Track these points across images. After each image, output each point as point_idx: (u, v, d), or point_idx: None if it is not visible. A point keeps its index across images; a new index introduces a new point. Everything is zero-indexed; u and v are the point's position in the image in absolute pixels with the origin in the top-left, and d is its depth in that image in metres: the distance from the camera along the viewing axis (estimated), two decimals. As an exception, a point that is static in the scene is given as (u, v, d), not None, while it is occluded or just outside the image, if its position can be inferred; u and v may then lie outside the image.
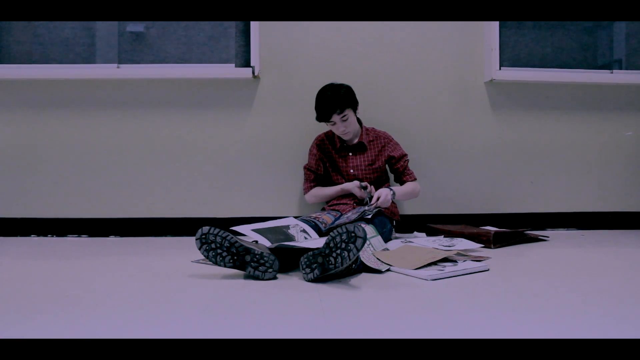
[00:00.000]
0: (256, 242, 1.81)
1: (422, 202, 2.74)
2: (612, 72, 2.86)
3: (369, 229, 1.95)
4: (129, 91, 2.70)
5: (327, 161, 2.48)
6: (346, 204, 2.38)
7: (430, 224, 2.58)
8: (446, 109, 2.78)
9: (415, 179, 2.48)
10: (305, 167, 2.53)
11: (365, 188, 2.28)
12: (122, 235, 2.68)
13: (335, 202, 2.43)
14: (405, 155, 2.48)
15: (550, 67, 2.84)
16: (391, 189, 2.28)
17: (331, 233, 1.55)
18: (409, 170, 2.48)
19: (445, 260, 1.83)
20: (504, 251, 2.17)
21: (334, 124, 2.32)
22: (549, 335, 1.10)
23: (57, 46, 2.70)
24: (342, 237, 1.51)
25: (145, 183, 2.70)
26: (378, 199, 2.20)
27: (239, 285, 1.57)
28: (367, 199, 2.25)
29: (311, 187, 2.50)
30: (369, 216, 2.11)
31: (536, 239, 2.46)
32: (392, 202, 2.44)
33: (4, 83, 2.68)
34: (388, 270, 1.76)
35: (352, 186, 2.34)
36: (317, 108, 2.32)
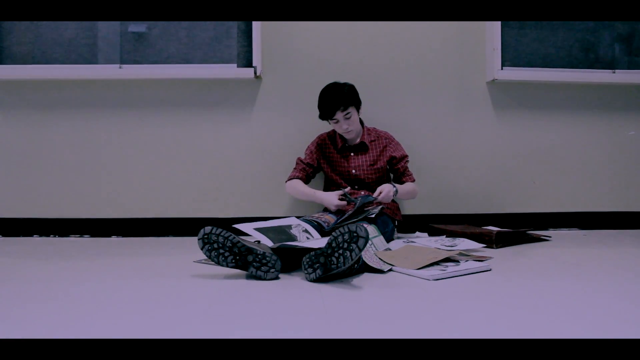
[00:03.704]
0: (258, 242, 1.81)
1: (424, 202, 2.74)
2: (614, 72, 2.85)
3: (371, 229, 1.95)
4: (131, 91, 2.70)
5: (325, 162, 2.48)
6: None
7: (432, 224, 2.58)
8: (448, 109, 2.78)
9: (414, 180, 2.48)
10: (297, 158, 2.51)
11: (345, 197, 2.25)
12: (124, 236, 2.69)
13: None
14: (406, 156, 2.48)
15: (552, 67, 2.84)
16: (394, 186, 2.28)
17: (333, 233, 1.55)
18: (409, 171, 2.48)
19: (448, 260, 1.83)
20: (506, 251, 2.17)
21: (337, 121, 2.32)
22: (550, 335, 1.10)
23: (59, 46, 2.70)
24: (344, 237, 1.52)
25: (147, 183, 2.71)
26: (380, 193, 2.20)
27: (241, 286, 1.57)
28: (357, 200, 2.20)
29: (294, 177, 2.45)
30: (372, 216, 2.11)
31: (538, 239, 2.45)
32: (394, 201, 2.44)
33: (6, 83, 2.69)
34: (390, 270, 1.76)
35: (330, 201, 2.24)
36: (320, 106, 2.32)
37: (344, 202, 2.24)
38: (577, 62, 2.85)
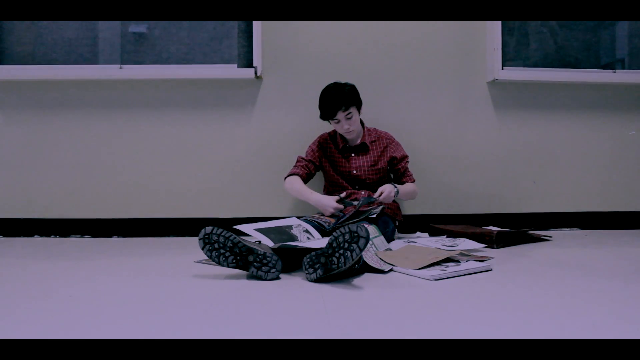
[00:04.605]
0: (259, 242, 1.81)
1: (424, 202, 2.74)
2: (614, 72, 2.85)
3: (372, 229, 1.95)
4: (131, 92, 2.70)
5: (326, 161, 2.48)
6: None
7: (432, 224, 2.58)
8: (448, 109, 2.78)
9: (414, 181, 2.48)
10: (298, 157, 2.49)
11: (340, 201, 2.24)
12: (124, 236, 2.69)
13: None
14: (407, 156, 2.48)
15: (552, 67, 2.84)
16: (395, 186, 2.28)
17: (334, 233, 1.55)
18: (409, 171, 2.48)
19: (448, 260, 1.82)
20: (507, 251, 2.17)
21: (338, 122, 2.32)
22: (550, 335, 1.10)
23: (60, 47, 2.71)
24: (345, 237, 1.52)
25: (148, 183, 2.71)
26: (381, 194, 2.20)
27: (241, 286, 1.57)
28: (357, 203, 2.19)
29: (294, 174, 2.40)
30: (374, 216, 2.11)
31: (539, 239, 2.45)
32: (395, 202, 2.45)
33: (7, 84, 2.69)
34: (391, 270, 1.76)
35: (329, 204, 2.20)
36: (321, 106, 2.32)
37: (342, 206, 2.23)
38: (578, 62, 2.85)
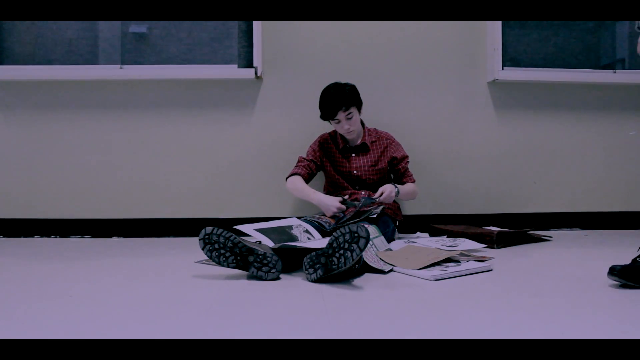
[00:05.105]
0: (259, 242, 1.81)
1: (424, 203, 2.74)
2: (615, 72, 2.85)
3: (372, 229, 1.95)
4: (131, 92, 2.70)
5: (327, 161, 2.48)
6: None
7: (433, 224, 2.58)
8: (449, 109, 2.78)
9: (414, 181, 2.48)
10: (299, 157, 2.48)
11: (344, 202, 2.23)
12: (125, 236, 2.69)
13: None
14: (407, 156, 2.48)
15: (553, 67, 2.84)
16: (395, 186, 2.27)
17: (334, 233, 1.55)
18: (409, 172, 2.48)
19: (449, 260, 1.82)
20: (507, 251, 2.17)
21: (339, 122, 2.32)
22: (550, 335, 1.10)
23: (60, 47, 2.71)
24: (345, 238, 1.52)
25: (148, 183, 2.71)
26: (382, 194, 2.20)
27: (242, 286, 1.57)
28: (357, 204, 2.18)
29: (296, 174, 2.39)
30: (374, 216, 2.11)
31: (539, 239, 2.45)
32: (395, 202, 2.44)
33: (7, 84, 2.69)
34: (391, 270, 1.76)
35: (332, 204, 2.18)
36: (321, 106, 2.32)
37: (344, 207, 2.22)
38: (578, 62, 2.85)
